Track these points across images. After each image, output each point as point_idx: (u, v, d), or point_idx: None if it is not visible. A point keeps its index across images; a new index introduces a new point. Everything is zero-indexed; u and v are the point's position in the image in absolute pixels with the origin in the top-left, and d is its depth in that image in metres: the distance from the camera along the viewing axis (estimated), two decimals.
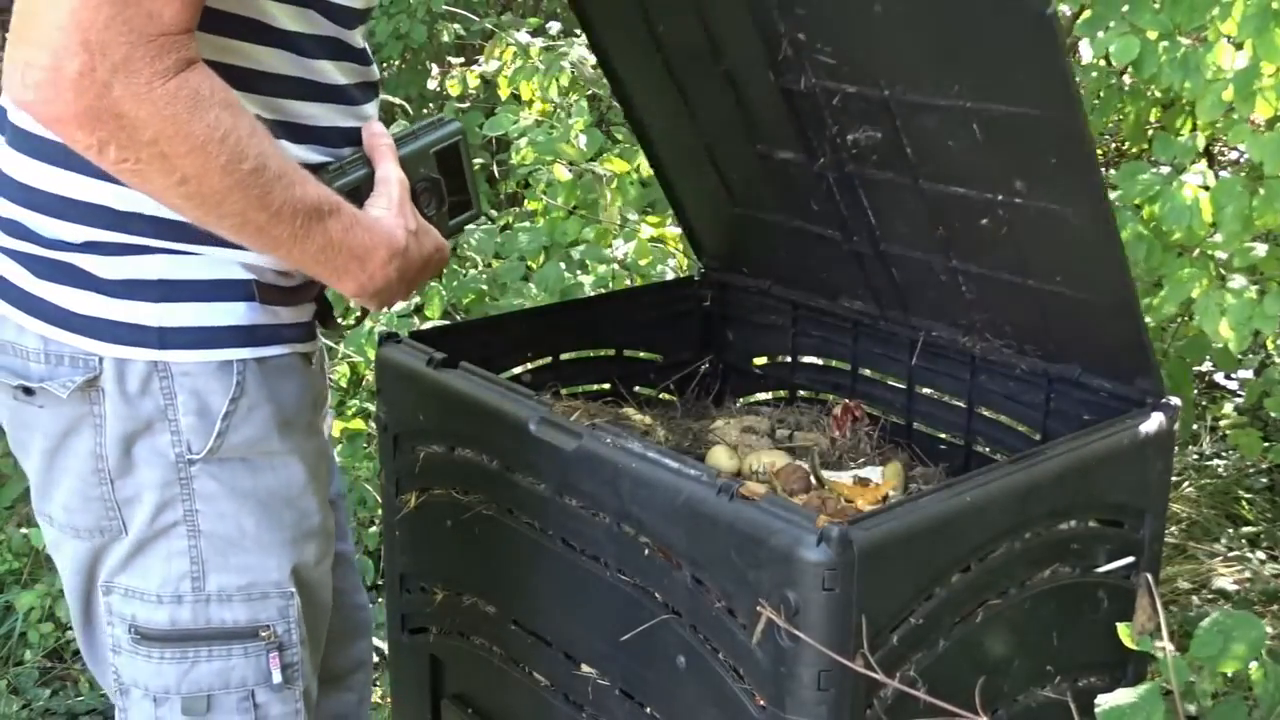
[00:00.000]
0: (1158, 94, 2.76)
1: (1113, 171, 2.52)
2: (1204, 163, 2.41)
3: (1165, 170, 2.29)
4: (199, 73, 1.17)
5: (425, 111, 4.70)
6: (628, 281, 3.19)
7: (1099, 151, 3.10)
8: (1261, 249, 2.31)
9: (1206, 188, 2.20)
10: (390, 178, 1.38)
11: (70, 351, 1.33)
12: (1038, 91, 1.56)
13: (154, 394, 1.33)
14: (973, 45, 1.60)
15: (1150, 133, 2.84)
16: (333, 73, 1.39)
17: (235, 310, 1.33)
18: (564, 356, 2.25)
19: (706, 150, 2.16)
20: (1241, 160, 3.28)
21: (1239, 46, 2.10)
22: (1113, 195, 2.21)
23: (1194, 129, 2.45)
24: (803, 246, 2.15)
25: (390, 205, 1.36)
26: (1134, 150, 3.26)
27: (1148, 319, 2.26)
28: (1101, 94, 2.81)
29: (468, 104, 4.33)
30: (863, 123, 1.82)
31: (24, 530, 2.99)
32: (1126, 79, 2.83)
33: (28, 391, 1.35)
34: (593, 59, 3.71)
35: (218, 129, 1.17)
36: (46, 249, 1.33)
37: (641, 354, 2.37)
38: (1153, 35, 2.16)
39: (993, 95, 1.61)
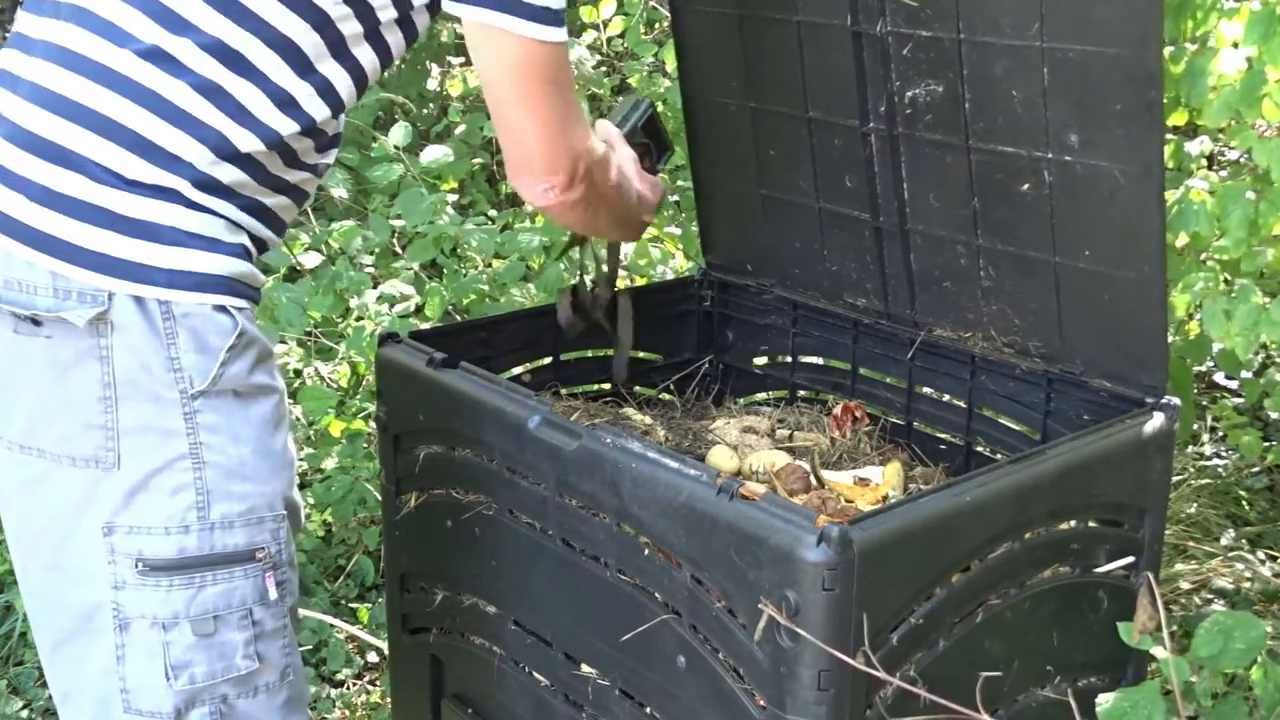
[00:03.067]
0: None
1: None
2: (1206, 165, 2.41)
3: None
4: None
5: (426, 111, 4.70)
6: (628, 281, 3.19)
7: None
8: (1269, 253, 2.31)
9: (1212, 192, 2.20)
10: (628, 155, 1.89)
11: (79, 287, 1.44)
12: (1120, 28, 1.61)
13: (159, 331, 1.46)
14: None
15: None
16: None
17: (228, 264, 1.50)
18: (564, 356, 2.25)
19: (753, 121, 2.19)
20: (1242, 162, 3.28)
21: (1237, 46, 2.10)
22: None
23: (1196, 133, 2.45)
24: (821, 233, 2.17)
25: (639, 177, 1.90)
26: None
27: None
28: None
29: (468, 104, 4.33)
30: (926, 76, 1.87)
31: None
32: None
33: (35, 323, 1.46)
34: (592, 59, 3.72)
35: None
36: (88, 179, 1.44)
37: (641, 354, 2.37)
38: None
39: (1072, 34, 1.67)
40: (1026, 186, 1.81)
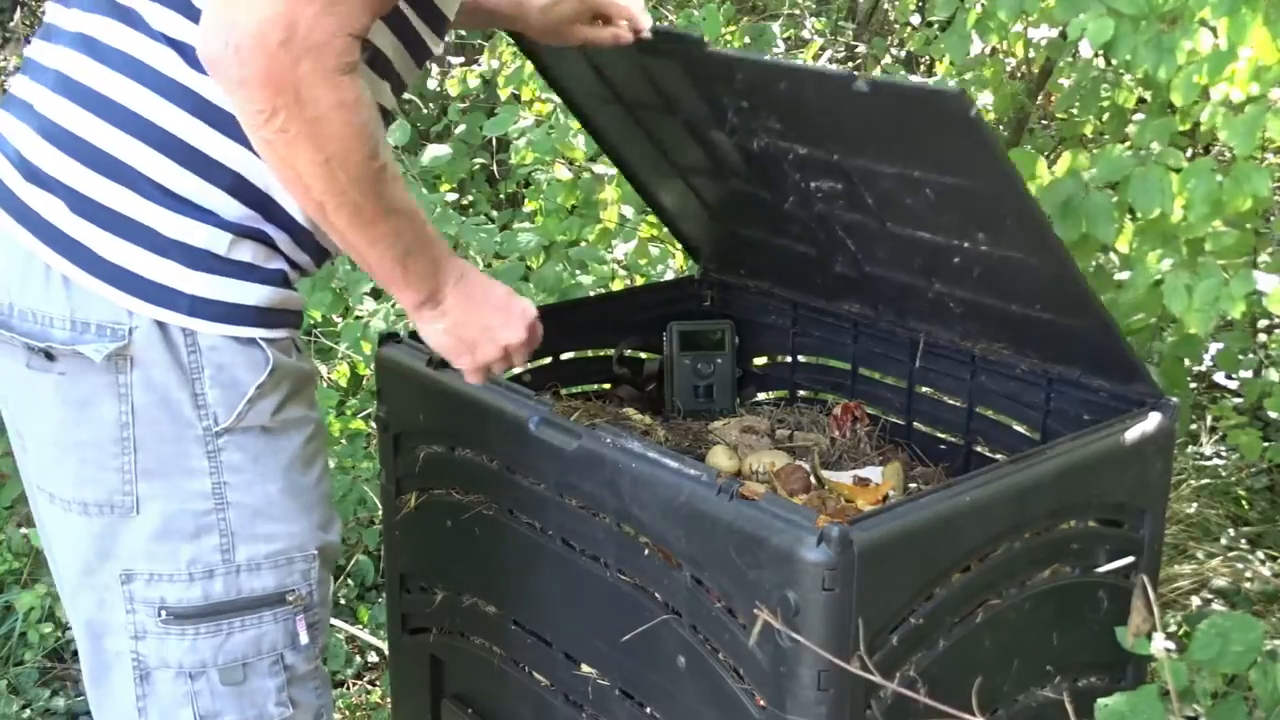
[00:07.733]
0: (1136, 79, 2.75)
1: (1095, 151, 2.50)
2: (1188, 150, 2.39)
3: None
4: (361, 75, 1.30)
5: (426, 111, 4.69)
6: (627, 281, 3.19)
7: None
8: (1232, 232, 2.29)
9: (1178, 170, 2.19)
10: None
11: (97, 320, 1.36)
12: (977, 171, 1.59)
13: (183, 365, 1.38)
14: (907, 132, 1.62)
15: (1130, 124, 2.83)
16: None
17: (262, 293, 1.41)
18: (564, 356, 2.25)
19: (684, 179, 2.17)
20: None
21: (1215, 31, 2.10)
22: (1087, 176, 2.22)
23: (1173, 112, 2.44)
24: (793, 257, 2.16)
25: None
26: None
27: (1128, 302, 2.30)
28: (1085, 85, 2.82)
29: (468, 104, 4.33)
30: (823, 175, 1.84)
31: (24, 530, 2.99)
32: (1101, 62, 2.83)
33: (49, 357, 1.37)
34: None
35: (368, 124, 1.29)
36: (126, 187, 1.35)
37: (642, 354, 2.37)
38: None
39: (936, 168, 1.65)
40: (957, 260, 1.78)
